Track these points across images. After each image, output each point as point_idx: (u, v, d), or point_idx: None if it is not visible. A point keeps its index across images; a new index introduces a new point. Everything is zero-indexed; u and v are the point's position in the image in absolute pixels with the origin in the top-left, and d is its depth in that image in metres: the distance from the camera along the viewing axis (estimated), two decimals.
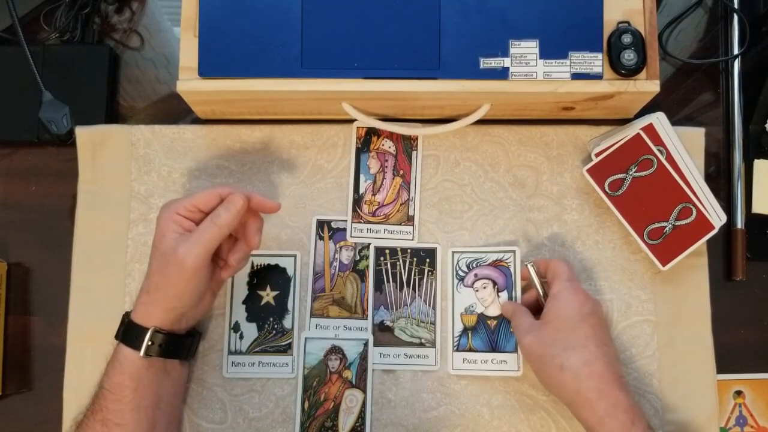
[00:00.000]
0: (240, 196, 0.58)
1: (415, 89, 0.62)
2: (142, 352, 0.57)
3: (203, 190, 0.59)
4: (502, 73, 0.62)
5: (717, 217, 0.66)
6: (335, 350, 0.66)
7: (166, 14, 0.76)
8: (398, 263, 0.68)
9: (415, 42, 0.62)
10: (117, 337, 0.59)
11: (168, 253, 0.56)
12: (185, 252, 0.56)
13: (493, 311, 0.67)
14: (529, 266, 0.65)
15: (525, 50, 0.62)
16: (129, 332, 0.58)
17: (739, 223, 0.70)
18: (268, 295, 0.67)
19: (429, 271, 0.68)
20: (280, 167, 0.70)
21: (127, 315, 0.60)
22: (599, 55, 0.63)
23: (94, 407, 0.57)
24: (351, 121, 0.69)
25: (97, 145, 0.69)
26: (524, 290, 0.67)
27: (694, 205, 0.65)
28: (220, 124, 0.70)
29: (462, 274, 0.68)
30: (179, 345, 0.61)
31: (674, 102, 0.73)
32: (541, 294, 0.64)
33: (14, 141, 0.71)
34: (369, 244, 0.68)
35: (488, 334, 0.67)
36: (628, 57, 0.62)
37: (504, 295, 0.67)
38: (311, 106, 0.67)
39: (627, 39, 0.62)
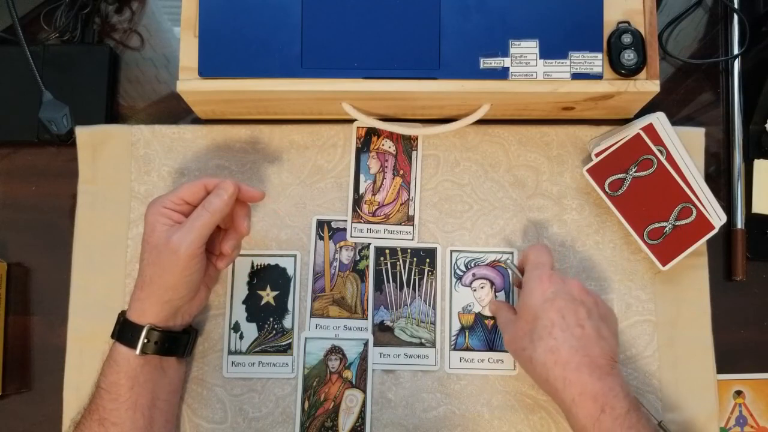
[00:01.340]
0: (230, 182, 0.59)
1: (415, 89, 0.62)
2: (138, 350, 0.57)
3: (188, 182, 0.60)
4: (502, 73, 0.62)
5: (717, 217, 0.66)
6: (335, 350, 0.66)
7: (166, 14, 0.76)
8: (398, 263, 0.68)
9: (415, 42, 0.62)
10: (113, 336, 0.59)
11: (161, 244, 0.57)
12: (179, 240, 0.56)
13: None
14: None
15: (525, 50, 0.62)
16: (124, 330, 0.58)
17: (739, 223, 0.70)
18: (268, 295, 0.67)
19: (429, 271, 0.68)
20: (280, 167, 0.70)
21: (122, 314, 0.60)
22: (599, 55, 0.63)
23: (91, 407, 0.57)
24: (351, 121, 0.69)
25: (97, 145, 0.69)
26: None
27: (694, 205, 0.65)
28: (220, 124, 0.70)
29: (460, 273, 0.68)
30: (175, 342, 0.61)
31: (674, 102, 0.73)
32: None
33: (14, 141, 0.71)
34: (369, 244, 0.68)
35: (485, 333, 0.67)
36: (628, 57, 0.62)
37: (501, 295, 0.67)
38: (311, 106, 0.67)
39: (627, 39, 0.62)
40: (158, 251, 0.57)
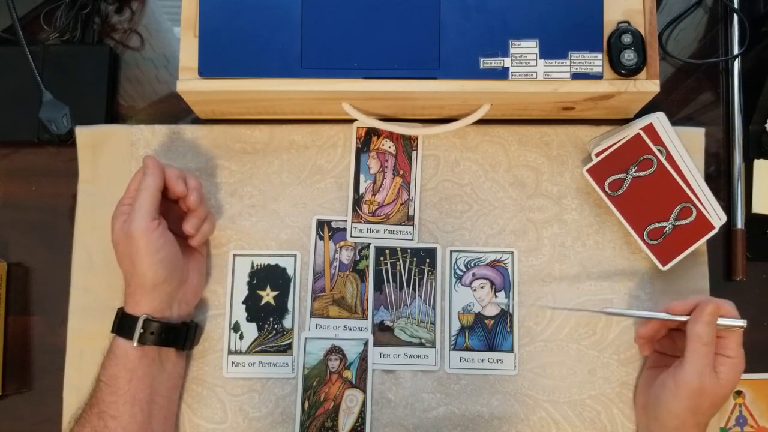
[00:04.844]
0: (149, 157, 0.61)
1: (415, 89, 0.62)
2: (135, 341, 0.58)
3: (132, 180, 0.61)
4: (502, 73, 0.62)
5: (717, 217, 0.66)
6: (335, 350, 0.66)
7: (166, 14, 0.76)
8: (398, 263, 0.68)
9: (415, 42, 0.62)
10: (113, 330, 0.60)
11: (121, 239, 0.59)
12: (128, 225, 0.58)
13: (490, 311, 0.67)
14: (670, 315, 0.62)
15: (525, 50, 0.62)
16: (122, 323, 0.59)
17: (739, 223, 0.70)
18: (268, 295, 0.67)
19: (429, 271, 0.68)
20: (280, 167, 0.70)
21: (121, 309, 0.61)
22: (599, 55, 0.63)
23: (91, 401, 0.58)
24: (351, 121, 0.69)
25: (97, 145, 0.69)
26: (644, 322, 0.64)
27: (694, 205, 0.65)
28: (220, 124, 0.70)
29: (460, 273, 0.68)
30: (173, 333, 0.61)
31: (674, 102, 0.73)
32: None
33: (14, 141, 0.71)
34: (369, 244, 0.68)
35: (485, 333, 0.67)
36: (628, 57, 0.62)
37: (501, 295, 0.67)
38: (311, 106, 0.67)
39: (627, 39, 0.62)
40: (121, 245, 0.59)
